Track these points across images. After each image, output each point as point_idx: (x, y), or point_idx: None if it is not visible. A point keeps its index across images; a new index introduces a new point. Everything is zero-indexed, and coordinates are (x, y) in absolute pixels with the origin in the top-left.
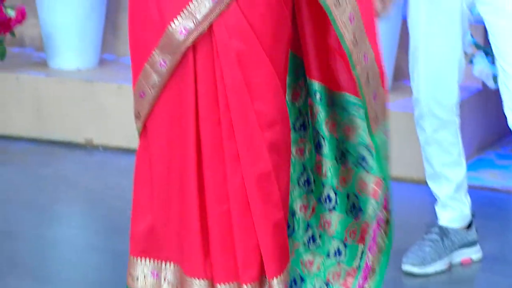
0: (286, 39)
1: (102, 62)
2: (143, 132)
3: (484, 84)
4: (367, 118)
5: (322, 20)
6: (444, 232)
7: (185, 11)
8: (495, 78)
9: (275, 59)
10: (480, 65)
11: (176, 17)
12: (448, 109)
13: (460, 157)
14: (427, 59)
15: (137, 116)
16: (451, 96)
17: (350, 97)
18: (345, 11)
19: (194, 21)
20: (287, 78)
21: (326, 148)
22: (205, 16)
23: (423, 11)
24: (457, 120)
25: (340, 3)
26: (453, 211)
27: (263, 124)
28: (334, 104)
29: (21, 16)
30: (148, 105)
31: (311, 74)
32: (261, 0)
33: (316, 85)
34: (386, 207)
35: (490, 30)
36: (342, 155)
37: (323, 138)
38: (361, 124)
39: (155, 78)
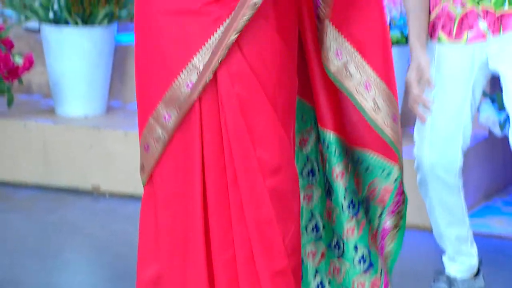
0: (292, 86)
1: (109, 109)
2: (149, 181)
3: (490, 131)
4: (401, 177)
5: None
6: (451, 281)
7: (190, 65)
8: (501, 125)
9: (279, 106)
10: (487, 112)
11: (182, 71)
12: (452, 173)
13: (463, 216)
14: (434, 125)
15: (141, 168)
16: (454, 161)
17: (377, 159)
18: (361, 81)
19: (198, 73)
20: (295, 124)
21: (334, 196)
22: (206, 65)
23: (433, 74)
24: (460, 183)
25: (352, 74)
26: (461, 264)
27: (265, 171)
28: (348, 156)
29: (29, 63)
30: (152, 159)
31: (323, 123)
32: (266, 47)
33: (327, 134)
34: (382, 255)
35: (504, 81)
36: (353, 206)
37: (331, 186)
38: (365, 179)
39: (159, 131)
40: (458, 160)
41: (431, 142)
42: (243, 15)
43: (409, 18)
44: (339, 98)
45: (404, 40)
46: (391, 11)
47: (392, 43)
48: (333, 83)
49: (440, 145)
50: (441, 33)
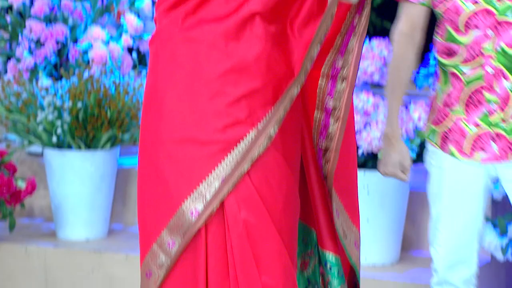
0: (295, 210)
1: (110, 232)
2: None
3: (492, 256)
4: None
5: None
6: None
7: (195, 192)
8: (503, 250)
9: (284, 232)
10: (489, 237)
11: (187, 198)
12: (466, 280)
13: None
14: (449, 231)
15: None
16: (470, 267)
17: None
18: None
19: (204, 202)
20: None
21: None
22: (214, 196)
23: (446, 185)
24: None
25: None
26: None
27: None
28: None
29: (31, 187)
30: (154, 286)
31: (324, 244)
32: (273, 173)
33: (328, 256)
34: None
35: None
36: None
37: None
38: None
39: (163, 258)
40: (473, 266)
41: (447, 248)
42: (259, 146)
43: (392, 103)
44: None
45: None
46: None
47: None
48: (331, 207)
49: (456, 251)
50: (452, 148)
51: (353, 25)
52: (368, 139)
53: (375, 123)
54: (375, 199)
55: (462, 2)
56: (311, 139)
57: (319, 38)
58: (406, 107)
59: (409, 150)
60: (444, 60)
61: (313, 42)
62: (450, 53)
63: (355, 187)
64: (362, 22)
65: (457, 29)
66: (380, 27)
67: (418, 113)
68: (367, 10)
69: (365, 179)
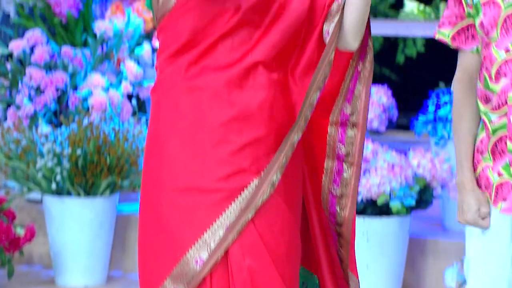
0: (297, 256)
1: (110, 279)
2: None
3: None
4: None
5: (332, 236)
6: None
7: (200, 241)
8: None
9: (287, 276)
10: None
11: (191, 247)
12: None
13: None
14: (477, 275)
15: None
16: None
17: None
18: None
19: (209, 251)
20: None
21: None
22: (219, 244)
23: (476, 231)
24: None
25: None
26: None
27: None
28: None
29: (30, 235)
30: None
31: None
32: (276, 219)
33: None
34: None
35: None
36: None
37: None
38: None
39: None
40: None
41: None
42: (263, 194)
43: (460, 151)
44: (340, 268)
45: (404, 210)
46: (391, 182)
47: (393, 213)
48: (334, 252)
49: None
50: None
51: (357, 70)
52: (367, 185)
53: (374, 169)
54: (374, 246)
55: (496, 51)
56: (315, 186)
57: (317, 84)
58: (405, 154)
59: (408, 197)
60: (481, 106)
61: (310, 88)
62: (487, 100)
63: (354, 233)
64: (367, 67)
65: (490, 77)
66: (379, 73)
67: (417, 160)
68: (370, 55)
69: (364, 225)
